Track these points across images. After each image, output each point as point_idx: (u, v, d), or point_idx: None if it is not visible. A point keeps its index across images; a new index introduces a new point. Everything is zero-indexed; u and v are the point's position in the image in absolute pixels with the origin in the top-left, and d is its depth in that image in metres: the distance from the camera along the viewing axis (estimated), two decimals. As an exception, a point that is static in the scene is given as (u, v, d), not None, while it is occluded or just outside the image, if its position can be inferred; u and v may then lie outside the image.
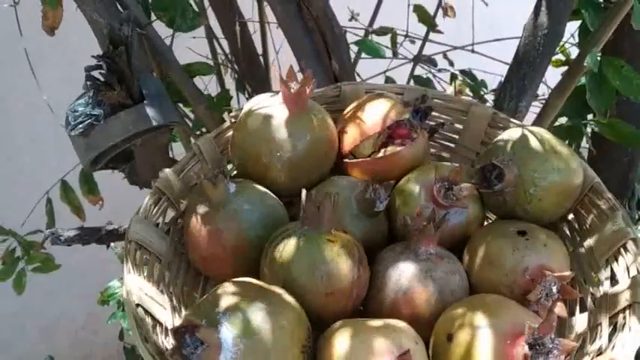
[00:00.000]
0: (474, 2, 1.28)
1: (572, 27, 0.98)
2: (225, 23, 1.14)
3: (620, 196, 1.00)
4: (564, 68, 0.98)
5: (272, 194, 0.74)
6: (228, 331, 0.56)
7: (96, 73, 0.83)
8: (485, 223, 0.78)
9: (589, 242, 0.72)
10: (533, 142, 0.71)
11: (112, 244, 0.98)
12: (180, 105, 1.05)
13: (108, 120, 0.83)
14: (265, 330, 0.56)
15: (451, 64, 1.33)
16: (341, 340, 0.58)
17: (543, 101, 0.96)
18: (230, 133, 0.80)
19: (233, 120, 0.80)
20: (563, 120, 1.02)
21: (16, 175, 1.69)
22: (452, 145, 0.86)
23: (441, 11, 1.28)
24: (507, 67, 0.97)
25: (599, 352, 0.62)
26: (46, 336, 1.80)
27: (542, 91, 1.14)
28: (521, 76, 0.93)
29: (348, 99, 0.84)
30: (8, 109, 1.69)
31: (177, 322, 0.67)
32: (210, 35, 1.19)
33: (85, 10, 0.86)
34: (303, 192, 0.68)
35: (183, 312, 0.70)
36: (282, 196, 0.76)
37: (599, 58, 0.87)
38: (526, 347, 0.57)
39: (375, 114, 0.78)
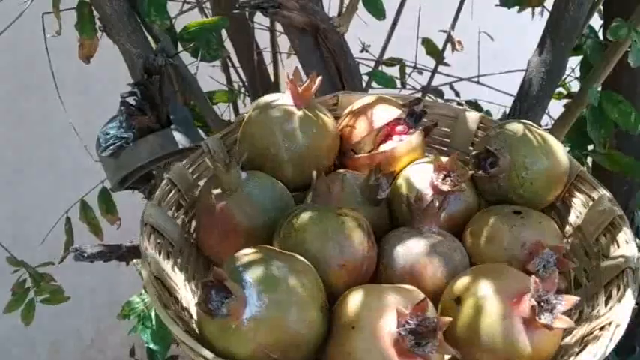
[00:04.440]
0: (479, 36, 1.35)
1: (573, 62, 1.05)
2: (242, 53, 1.20)
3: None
4: (565, 101, 1.07)
5: (280, 182, 0.77)
6: (252, 287, 0.58)
7: (129, 99, 0.89)
8: (481, 212, 0.82)
9: (579, 226, 0.77)
10: (523, 131, 0.77)
11: (132, 261, 1.00)
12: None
13: (137, 142, 0.89)
14: (288, 286, 0.59)
15: (457, 94, 1.40)
16: (358, 298, 0.61)
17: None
18: (236, 134, 0.84)
19: (240, 121, 0.84)
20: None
21: (34, 196, 1.72)
22: (444, 148, 0.91)
23: (448, 44, 1.32)
24: (511, 97, 1.04)
25: (598, 316, 0.66)
26: (55, 353, 1.78)
27: (545, 121, 1.21)
28: (525, 108, 0.99)
29: (344, 107, 0.89)
30: (27, 132, 1.73)
31: (191, 299, 0.69)
32: (226, 64, 1.26)
33: (118, 41, 0.92)
34: (314, 173, 0.72)
35: (196, 294, 0.71)
36: (289, 190, 0.79)
37: (598, 94, 0.95)
38: (533, 301, 0.60)
39: (375, 113, 0.83)
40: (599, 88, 0.96)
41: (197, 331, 0.62)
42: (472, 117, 0.89)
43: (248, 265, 0.60)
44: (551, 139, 0.78)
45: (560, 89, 1.14)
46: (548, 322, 0.59)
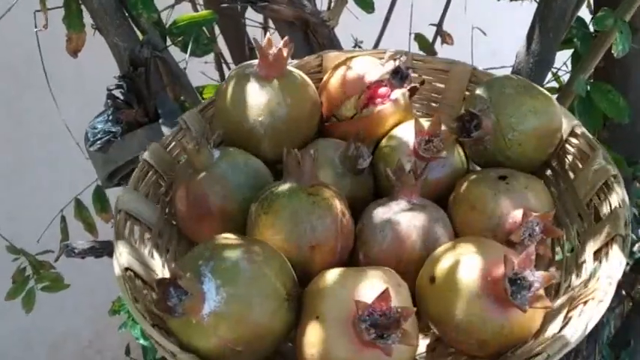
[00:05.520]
0: (473, 31, 1.30)
1: (565, 56, 1.02)
2: (235, 49, 1.19)
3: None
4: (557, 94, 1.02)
5: (256, 159, 0.75)
6: (210, 282, 0.57)
7: (116, 92, 0.89)
8: (470, 175, 0.78)
9: (572, 185, 0.72)
10: (509, 88, 0.72)
11: None
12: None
13: (125, 136, 0.88)
14: (247, 278, 0.57)
15: None
16: (324, 285, 0.59)
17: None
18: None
19: (217, 93, 0.82)
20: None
21: (31, 194, 1.74)
22: (435, 104, 0.87)
23: (438, 38, 1.30)
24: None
25: (585, 286, 0.62)
26: (53, 354, 1.81)
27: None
28: None
29: (330, 68, 0.85)
30: (25, 130, 1.75)
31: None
32: (219, 60, 1.24)
33: (106, 35, 0.91)
34: (285, 149, 0.69)
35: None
36: (268, 163, 0.77)
37: (587, 86, 0.93)
38: (506, 281, 0.57)
39: (356, 76, 0.79)
40: (591, 80, 0.95)
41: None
42: (463, 70, 0.83)
43: (208, 258, 0.58)
44: (543, 95, 0.73)
45: (554, 83, 1.09)
46: (523, 302, 0.57)
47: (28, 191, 1.75)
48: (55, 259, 0.99)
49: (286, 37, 0.76)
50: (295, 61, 0.84)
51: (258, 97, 0.74)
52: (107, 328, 1.09)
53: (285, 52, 0.75)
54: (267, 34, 0.79)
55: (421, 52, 1.15)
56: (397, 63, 0.79)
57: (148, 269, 0.67)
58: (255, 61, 0.78)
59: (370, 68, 0.79)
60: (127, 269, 0.64)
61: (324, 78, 0.82)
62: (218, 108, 0.78)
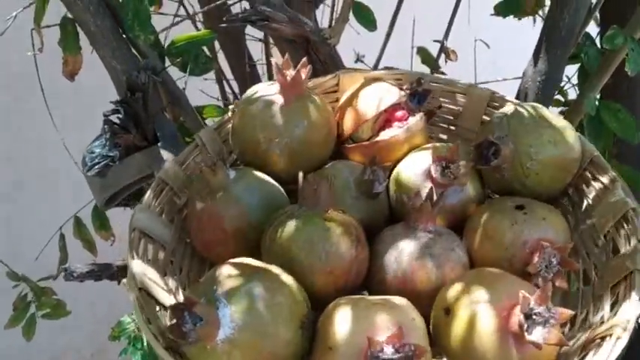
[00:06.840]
0: (475, 43, 1.30)
1: (570, 70, 1.01)
2: (236, 66, 1.19)
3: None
4: (562, 108, 1.05)
5: (272, 180, 0.75)
6: (225, 308, 0.57)
7: (113, 117, 0.88)
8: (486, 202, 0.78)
9: (590, 215, 0.71)
10: (529, 117, 0.72)
11: (123, 280, 1.00)
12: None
13: (123, 161, 0.87)
14: (262, 306, 0.57)
15: None
16: (339, 316, 0.58)
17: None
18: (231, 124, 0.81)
19: (233, 111, 0.81)
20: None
21: (29, 212, 1.74)
22: (452, 127, 0.86)
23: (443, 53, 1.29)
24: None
25: (602, 322, 0.62)
26: None
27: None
28: None
29: (346, 88, 0.85)
30: (22, 147, 1.75)
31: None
32: (220, 77, 1.24)
33: (103, 58, 0.90)
34: (300, 174, 0.69)
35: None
36: (283, 183, 0.76)
37: (597, 103, 0.92)
38: (522, 317, 0.57)
39: (373, 98, 0.79)
40: (598, 96, 0.93)
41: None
42: (482, 94, 0.83)
43: (223, 284, 0.58)
44: (562, 124, 0.72)
45: (558, 97, 1.08)
46: (538, 339, 0.56)
47: (27, 209, 1.74)
48: (54, 278, 0.98)
49: (304, 59, 0.76)
50: (312, 81, 0.84)
51: (275, 118, 0.74)
52: (108, 345, 1.08)
53: (303, 74, 0.75)
54: (275, 55, 0.79)
55: (442, 75, 1.14)
56: (415, 86, 0.79)
57: (161, 289, 0.67)
58: (272, 83, 0.78)
59: (387, 90, 0.79)
60: (140, 289, 0.64)
61: (341, 99, 0.82)
62: (234, 127, 0.78)
